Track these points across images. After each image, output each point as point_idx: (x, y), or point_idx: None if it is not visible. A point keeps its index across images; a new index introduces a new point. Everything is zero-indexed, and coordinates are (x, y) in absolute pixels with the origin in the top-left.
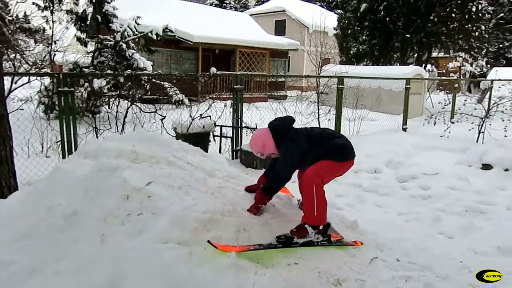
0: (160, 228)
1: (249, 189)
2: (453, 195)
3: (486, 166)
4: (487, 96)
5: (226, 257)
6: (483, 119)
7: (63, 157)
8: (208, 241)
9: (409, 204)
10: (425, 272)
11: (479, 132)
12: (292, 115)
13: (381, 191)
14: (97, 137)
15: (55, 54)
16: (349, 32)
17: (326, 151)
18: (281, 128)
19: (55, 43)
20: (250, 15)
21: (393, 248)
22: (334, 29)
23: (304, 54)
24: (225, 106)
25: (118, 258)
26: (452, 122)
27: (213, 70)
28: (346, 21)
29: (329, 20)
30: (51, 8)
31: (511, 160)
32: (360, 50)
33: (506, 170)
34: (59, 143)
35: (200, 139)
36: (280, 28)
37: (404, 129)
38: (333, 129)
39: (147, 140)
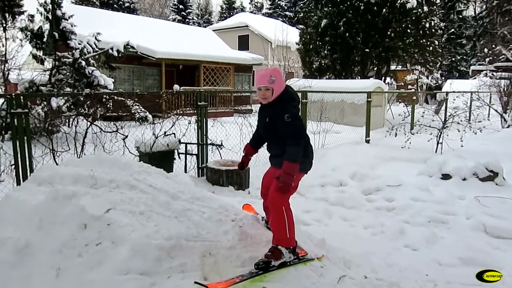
0: (120, 258)
1: (241, 164)
2: (416, 206)
3: (446, 176)
4: (443, 107)
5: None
6: (441, 130)
7: (17, 181)
8: (196, 282)
9: (375, 216)
10: None
11: (438, 143)
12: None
13: (347, 204)
14: (54, 159)
15: (8, 73)
16: (311, 47)
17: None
18: (294, 91)
19: (7, 62)
20: (214, 30)
21: (361, 264)
22: (297, 44)
23: None
24: (189, 123)
25: None
26: (412, 133)
27: (176, 87)
28: (308, 36)
29: (291, 35)
30: (4, 25)
31: (468, 169)
32: (323, 64)
33: (464, 179)
34: (13, 166)
35: (164, 158)
36: (243, 43)
37: (367, 141)
38: None
39: (107, 163)
